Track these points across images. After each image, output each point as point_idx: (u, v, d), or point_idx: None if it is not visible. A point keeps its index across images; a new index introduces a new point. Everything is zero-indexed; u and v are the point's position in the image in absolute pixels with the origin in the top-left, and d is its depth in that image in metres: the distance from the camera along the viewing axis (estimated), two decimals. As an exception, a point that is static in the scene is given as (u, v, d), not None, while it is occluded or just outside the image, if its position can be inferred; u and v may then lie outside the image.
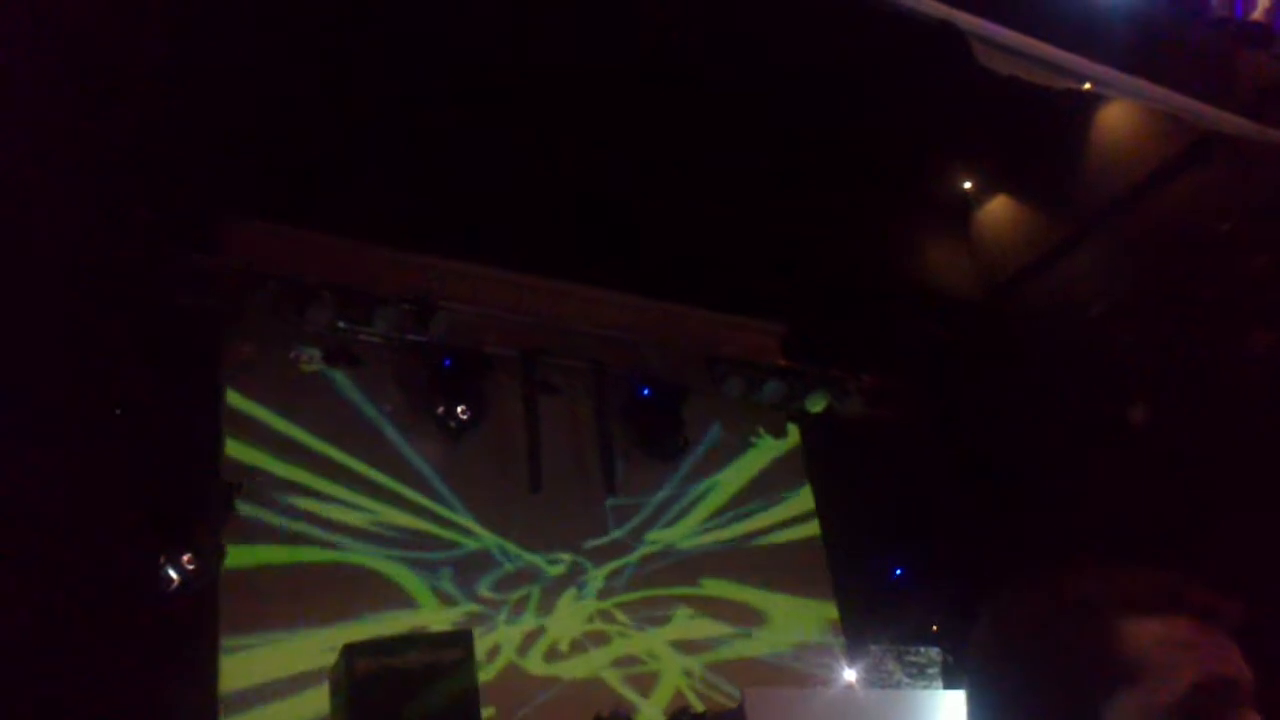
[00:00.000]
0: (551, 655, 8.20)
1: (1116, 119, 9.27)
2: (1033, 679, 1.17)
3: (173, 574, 6.71)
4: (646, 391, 8.89)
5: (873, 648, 6.84)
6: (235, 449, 7.53)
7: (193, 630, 6.91)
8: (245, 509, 7.29)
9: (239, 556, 7.17)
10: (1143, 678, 1.11)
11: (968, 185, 10.47)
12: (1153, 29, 6.69)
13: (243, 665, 7.04)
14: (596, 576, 8.60)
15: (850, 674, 7.27)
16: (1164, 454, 8.01)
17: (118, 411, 6.67)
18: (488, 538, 8.27)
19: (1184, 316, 8.39)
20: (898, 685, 6.54)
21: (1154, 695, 1.11)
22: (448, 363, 8.16)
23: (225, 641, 7.02)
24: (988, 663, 1.25)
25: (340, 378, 8.06)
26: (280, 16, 6.62)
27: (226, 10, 6.54)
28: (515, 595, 8.21)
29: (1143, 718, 1.10)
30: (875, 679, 6.68)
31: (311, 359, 7.87)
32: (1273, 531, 7.07)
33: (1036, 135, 9.18)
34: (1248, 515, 7.36)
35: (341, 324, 7.81)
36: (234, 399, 7.65)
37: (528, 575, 8.35)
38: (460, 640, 6.65)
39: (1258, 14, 6.27)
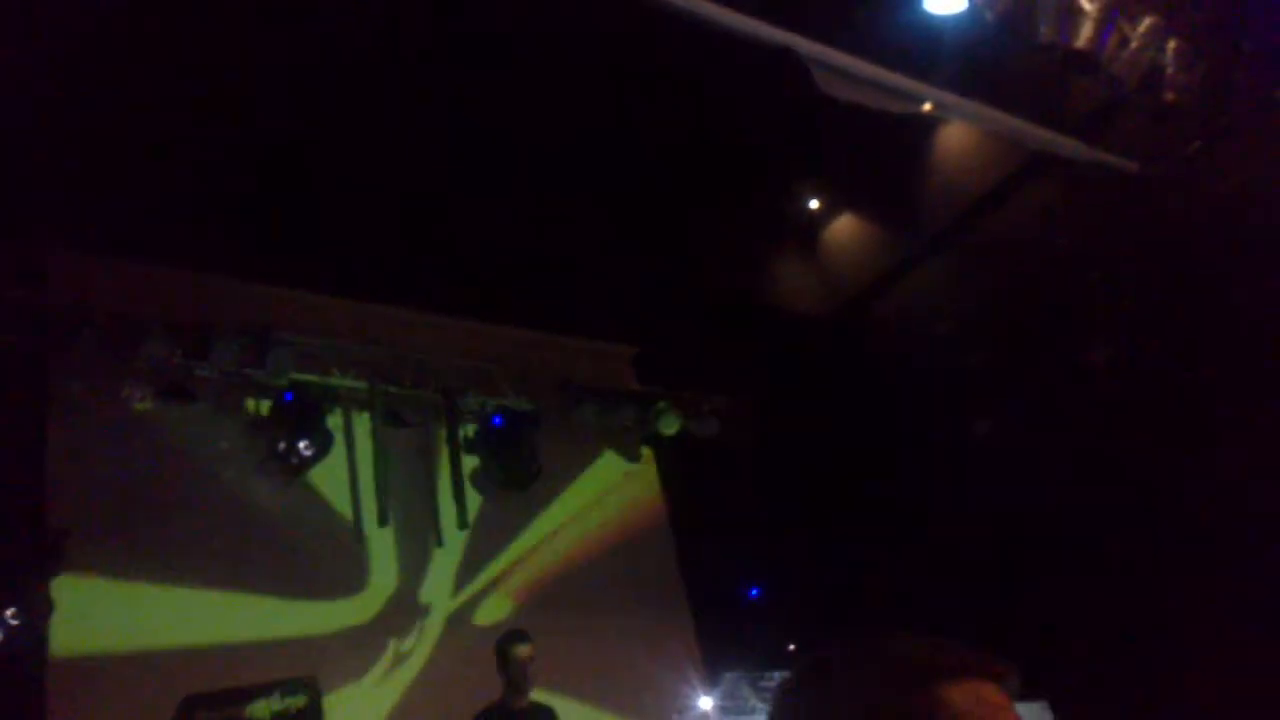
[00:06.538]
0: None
1: (956, 139, 9.47)
2: None
3: (-7, 630, 6.33)
4: (498, 420, 8.72)
5: (727, 675, 6.80)
6: (63, 493, 7.12)
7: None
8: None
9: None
10: None
11: (814, 204, 10.58)
12: (986, 54, 6.84)
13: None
14: (447, 608, 8.45)
15: (706, 701, 7.22)
16: (1008, 470, 8.18)
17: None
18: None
19: (1024, 332, 8.60)
20: (752, 712, 6.53)
21: None
22: (289, 397, 7.86)
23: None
24: None
25: (175, 415, 7.68)
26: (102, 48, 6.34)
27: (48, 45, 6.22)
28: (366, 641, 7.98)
29: None
30: (731, 706, 6.65)
31: (144, 396, 7.51)
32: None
33: (880, 154, 9.30)
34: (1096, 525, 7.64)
35: (176, 359, 7.48)
36: (61, 440, 7.23)
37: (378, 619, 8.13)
38: (306, 687, 6.45)
39: (1081, 43, 6.45)
